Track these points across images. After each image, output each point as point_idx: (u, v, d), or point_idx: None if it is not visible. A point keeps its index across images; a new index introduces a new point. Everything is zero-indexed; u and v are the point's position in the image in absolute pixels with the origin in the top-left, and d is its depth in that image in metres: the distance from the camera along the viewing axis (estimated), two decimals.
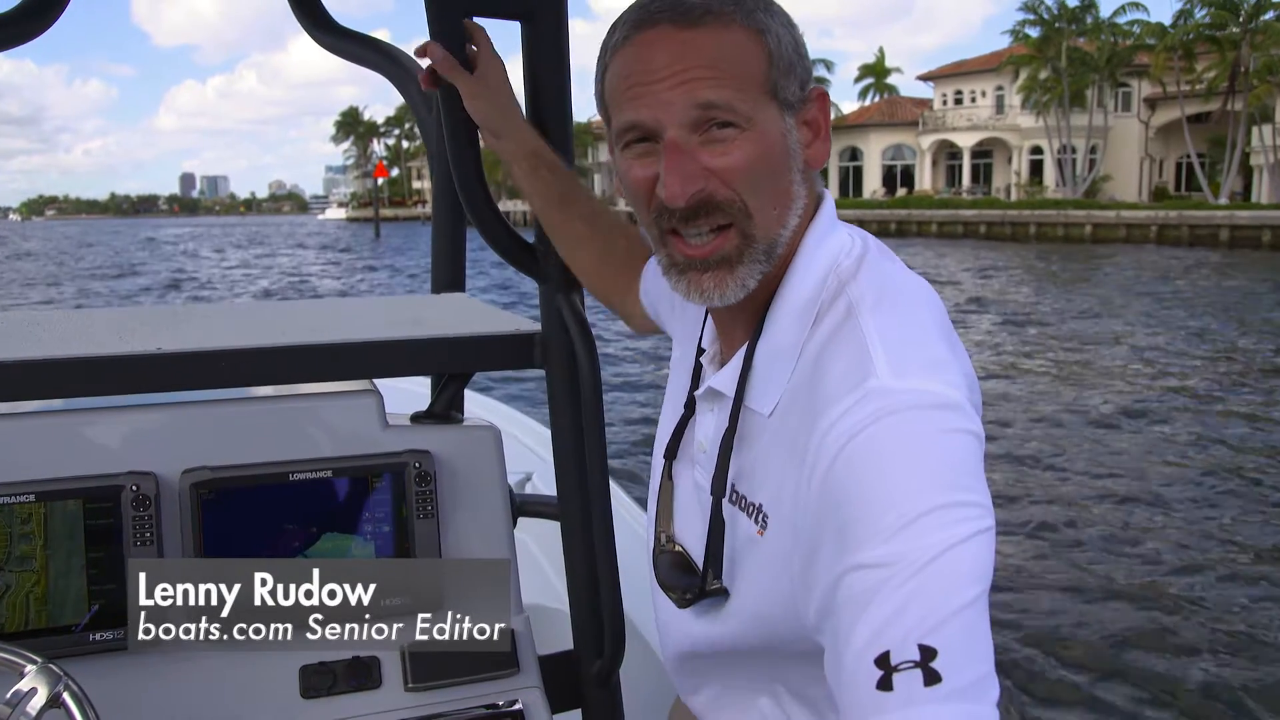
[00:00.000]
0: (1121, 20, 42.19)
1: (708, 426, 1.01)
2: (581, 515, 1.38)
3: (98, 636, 1.18)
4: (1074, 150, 43.98)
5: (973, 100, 51.22)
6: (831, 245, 0.94)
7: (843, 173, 54.44)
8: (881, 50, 59.78)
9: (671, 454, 1.07)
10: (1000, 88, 49.95)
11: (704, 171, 0.86)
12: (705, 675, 1.09)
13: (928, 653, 0.69)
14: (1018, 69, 45.41)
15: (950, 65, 53.75)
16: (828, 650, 0.78)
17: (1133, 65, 42.82)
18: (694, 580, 0.99)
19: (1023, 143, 47.85)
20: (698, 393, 1.03)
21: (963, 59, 54.51)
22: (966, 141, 49.26)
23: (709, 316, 1.06)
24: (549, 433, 1.48)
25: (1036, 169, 47.68)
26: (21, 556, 1.16)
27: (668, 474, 1.08)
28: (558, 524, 1.46)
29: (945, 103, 52.63)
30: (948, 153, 51.43)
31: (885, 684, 0.69)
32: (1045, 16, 42.94)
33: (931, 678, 0.68)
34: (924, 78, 54.54)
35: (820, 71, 57.98)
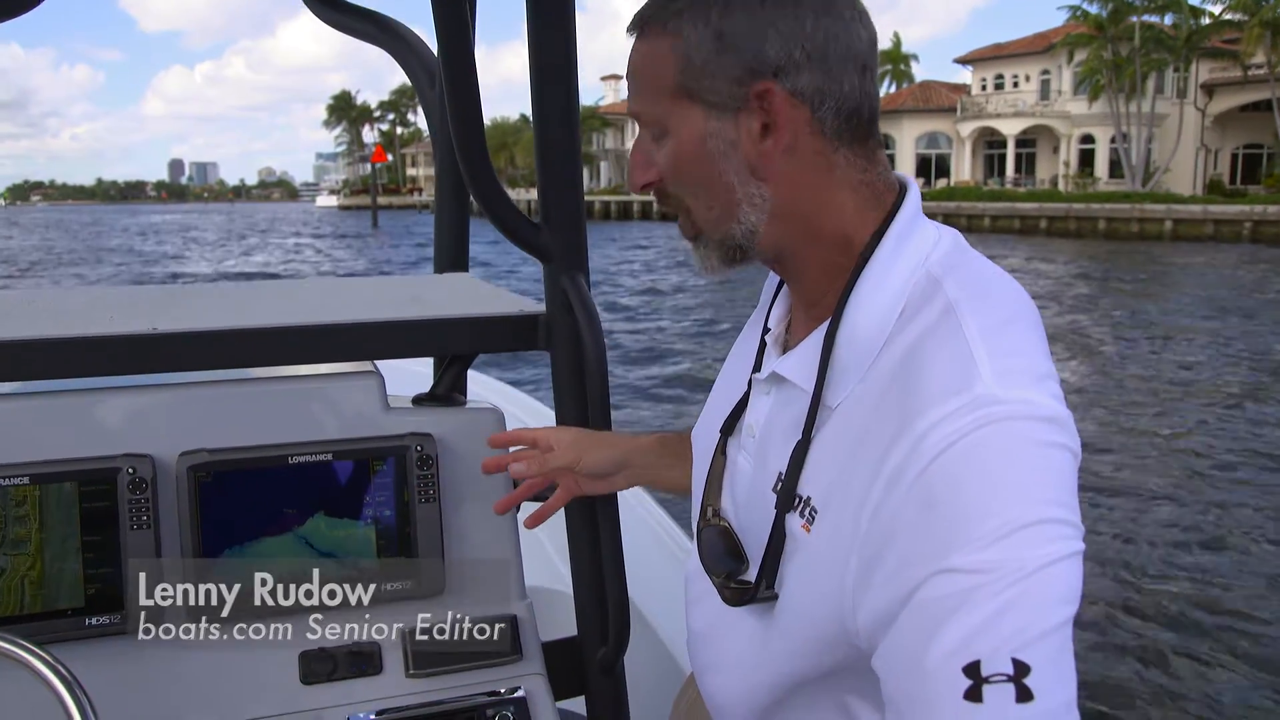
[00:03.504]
0: None
1: (760, 410, 0.99)
2: (586, 499, 1.33)
3: (94, 621, 1.15)
4: (1129, 139, 40.37)
5: (1015, 85, 47.63)
6: (918, 238, 0.89)
7: None
8: (897, 35, 55.87)
9: (729, 430, 1.05)
10: (1046, 71, 46.40)
11: (654, 164, 0.92)
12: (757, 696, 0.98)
13: (1021, 668, 0.66)
14: (1072, 50, 41.80)
15: (989, 47, 50.15)
16: (894, 654, 0.74)
17: (1201, 47, 39.20)
18: (739, 563, 0.96)
19: (1072, 130, 44.26)
20: (759, 375, 1.00)
21: (999, 43, 50.88)
22: (1011, 129, 45.64)
23: (777, 297, 1.04)
24: (553, 412, 1.41)
25: (1086, 159, 44.14)
26: (16, 540, 1.14)
27: (721, 449, 1.05)
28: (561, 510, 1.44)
29: (985, 88, 49.06)
30: (986, 141, 47.83)
31: (974, 695, 0.67)
32: None
33: (1024, 695, 0.66)
34: (961, 60, 50.98)
35: None
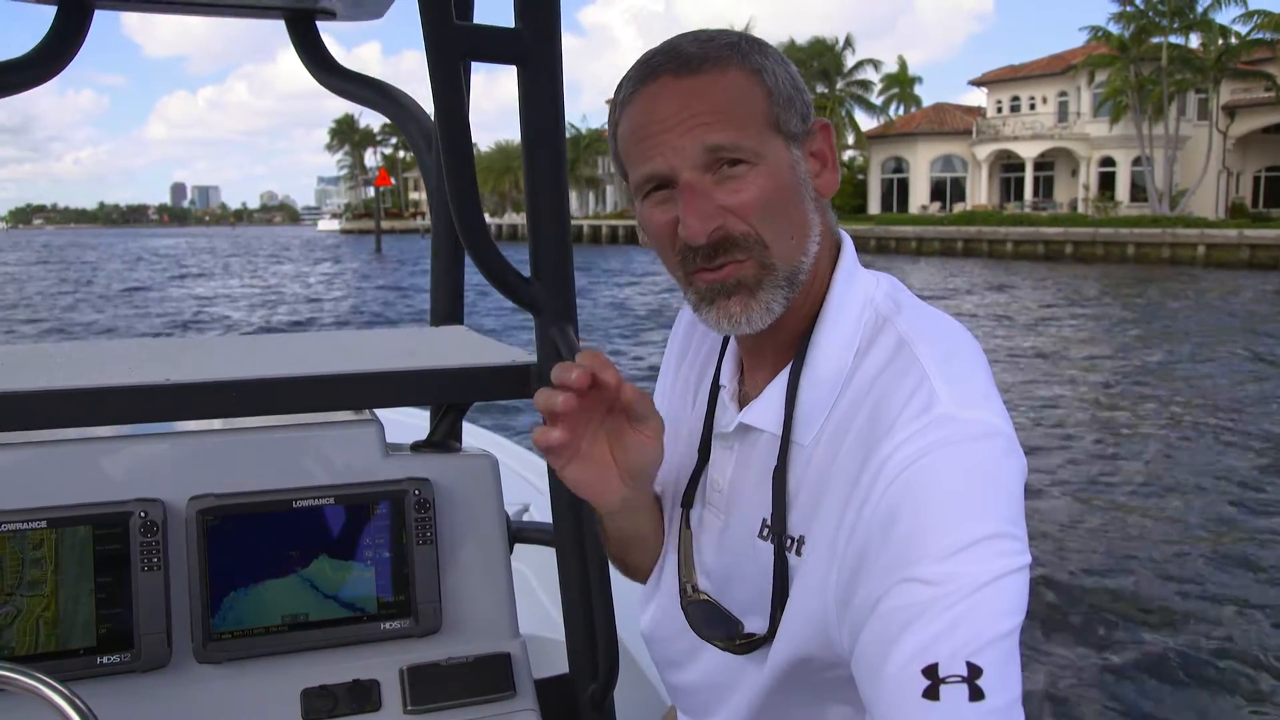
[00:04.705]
0: (1217, 16, 37.35)
1: (725, 465, 1.03)
2: (576, 541, 1.38)
3: (106, 660, 1.19)
4: (1152, 162, 39.14)
5: (1031, 107, 46.61)
6: (861, 281, 0.98)
7: (886, 185, 49.62)
8: (902, 60, 54.65)
9: (689, 502, 1.08)
10: (1064, 93, 45.41)
11: (719, 210, 0.89)
12: None
13: (975, 670, 0.73)
14: (1093, 71, 40.70)
15: (1004, 69, 49.25)
16: (863, 658, 0.80)
17: (1230, 68, 38.06)
18: (733, 627, 1.00)
19: (1092, 153, 43.19)
20: (723, 430, 1.03)
21: (1013, 64, 49.89)
22: (1029, 152, 44.51)
23: (725, 353, 1.07)
24: (545, 464, 1.43)
25: (1106, 182, 42.96)
26: (32, 581, 1.18)
27: (686, 523, 1.08)
28: (553, 554, 1.48)
29: (1000, 110, 48.04)
30: (1003, 164, 46.70)
31: (932, 694, 0.73)
32: (1141, 6, 37.90)
33: (976, 694, 0.72)
34: (976, 82, 50.03)
35: (868, 74, 53.84)
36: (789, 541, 0.93)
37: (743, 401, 1.01)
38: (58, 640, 1.17)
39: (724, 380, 1.06)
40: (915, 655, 0.74)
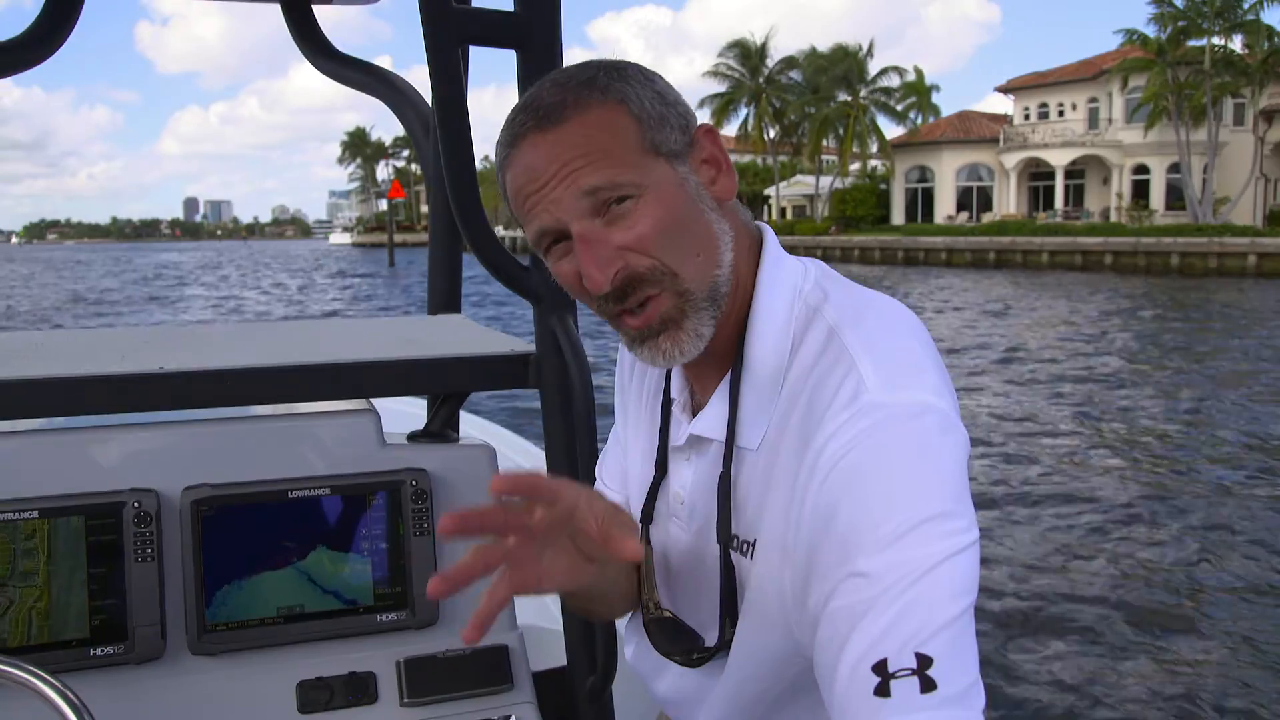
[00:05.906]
0: (1263, 15, 35.97)
1: (684, 476, 1.02)
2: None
3: (99, 651, 1.18)
4: (1189, 169, 37.71)
5: (1060, 114, 45.25)
6: (787, 273, 0.96)
7: (910, 195, 48.24)
8: (918, 70, 53.28)
9: (648, 518, 1.07)
10: (1094, 99, 44.03)
11: (617, 251, 0.87)
12: None
13: (924, 661, 0.71)
14: (1126, 76, 39.35)
15: (1031, 75, 47.95)
16: (820, 662, 0.79)
17: (1274, 72, 36.64)
18: (693, 641, 1.00)
19: (1125, 161, 41.73)
20: (677, 443, 1.03)
21: (1039, 70, 48.62)
22: (1060, 160, 43.08)
23: (672, 370, 1.06)
24: (543, 453, 1.46)
25: (1140, 190, 41.53)
26: (25, 572, 1.16)
27: (645, 539, 1.06)
28: None
29: (1028, 117, 46.70)
30: (1030, 173, 45.34)
31: (883, 690, 0.71)
32: (1180, 7, 36.52)
33: (927, 685, 0.71)
34: (1003, 89, 48.73)
35: (892, 81, 52.44)
36: (744, 547, 0.92)
37: (695, 411, 1.00)
38: (50, 632, 1.16)
39: (674, 393, 1.05)
40: (865, 653, 0.72)
